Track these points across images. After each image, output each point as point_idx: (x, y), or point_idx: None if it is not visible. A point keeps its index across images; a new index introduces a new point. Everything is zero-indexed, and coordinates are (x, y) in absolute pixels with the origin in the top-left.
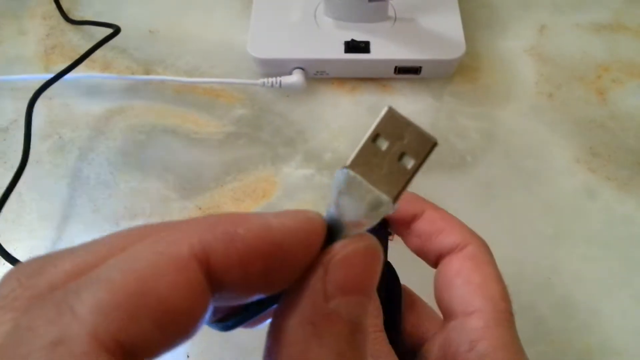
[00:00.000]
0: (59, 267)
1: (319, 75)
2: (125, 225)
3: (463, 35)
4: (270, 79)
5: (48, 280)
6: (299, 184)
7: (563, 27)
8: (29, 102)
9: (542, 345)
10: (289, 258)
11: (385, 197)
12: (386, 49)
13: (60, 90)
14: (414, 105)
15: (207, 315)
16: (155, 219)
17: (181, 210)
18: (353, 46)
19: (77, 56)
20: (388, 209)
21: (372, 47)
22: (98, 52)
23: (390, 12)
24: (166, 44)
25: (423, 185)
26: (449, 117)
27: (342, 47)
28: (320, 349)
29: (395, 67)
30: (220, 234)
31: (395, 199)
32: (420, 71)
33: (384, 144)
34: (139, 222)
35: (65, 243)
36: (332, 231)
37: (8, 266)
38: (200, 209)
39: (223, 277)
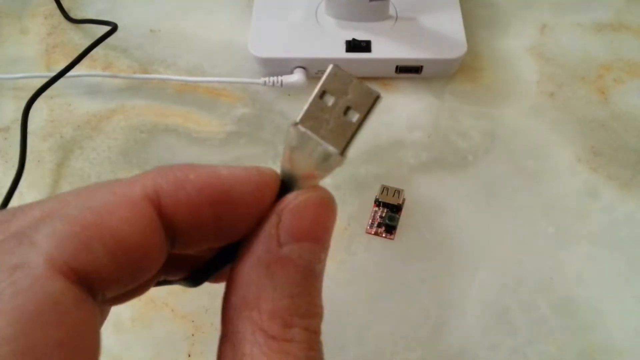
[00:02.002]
0: (28, 214)
1: (320, 74)
2: None
3: (464, 34)
4: (271, 78)
5: (17, 225)
6: None
7: (564, 26)
8: (25, 104)
9: (543, 345)
10: (239, 206)
11: (333, 150)
12: (387, 48)
13: (61, 90)
14: (415, 105)
15: (163, 257)
16: None
17: None
18: (354, 45)
19: (77, 55)
20: (337, 161)
21: (373, 47)
22: (100, 52)
23: (392, 12)
24: (167, 43)
25: (424, 184)
26: (451, 116)
27: (344, 47)
28: (274, 291)
29: (397, 67)
30: (171, 179)
31: (343, 151)
32: (421, 70)
33: (330, 100)
34: None
35: None
36: (287, 184)
37: None
38: None
39: (175, 220)
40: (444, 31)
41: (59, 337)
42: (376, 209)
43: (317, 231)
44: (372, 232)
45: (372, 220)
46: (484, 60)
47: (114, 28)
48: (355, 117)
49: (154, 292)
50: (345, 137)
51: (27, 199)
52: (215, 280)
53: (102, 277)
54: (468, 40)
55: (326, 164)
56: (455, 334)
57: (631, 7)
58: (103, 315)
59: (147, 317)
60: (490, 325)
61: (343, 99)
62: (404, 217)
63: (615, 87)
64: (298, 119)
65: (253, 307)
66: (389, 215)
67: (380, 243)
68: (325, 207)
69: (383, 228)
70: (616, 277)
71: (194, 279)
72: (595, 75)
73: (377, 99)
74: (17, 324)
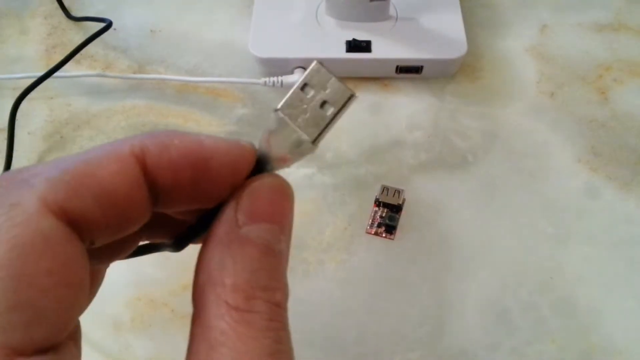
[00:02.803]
0: (31, 169)
1: None
2: None
3: (464, 34)
4: (271, 78)
5: (21, 177)
6: (300, 183)
7: (564, 26)
8: (14, 102)
9: (543, 345)
10: (216, 174)
11: (306, 137)
12: (387, 49)
13: (61, 90)
14: (415, 105)
15: (148, 212)
16: None
17: None
18: (354, 45)
19: (77, 55)
20: (308, 148)
21: (373, 47)
22: (100, 52)
23: (392, 12)
24: (167, 43)
25: (425, 184)
26: (451, 116)
27: (344, 47)
28: (234, 267)
29: (397, 67)
30: (157, 142)
31: (315, 140)
32: (421, 70)
33: (310, 93)
34: None
35: None
36: (261, 163)
37: None
38: None
39: (157, 179)
40: (444, 31)
41: (48, 267)
42: (376, 209)
43: (272, 213)
44: (372, 232)
45: (372, 221)
46: (484, 61)
47: (108, 25)
48: (329, 111)
49: (153, 292)
50: (319, 128)
51: None
52: (198, 242)
53: (89, 222)
54: (468, 40)
55: (298, 149)
56: (455, 334)
57: (631, 7)
58: (98, 278)
59: (146, 317)
60: (490, 326)
61: (321, 94)
62: (404, 217)
63: (615, 87)
64: (279, 105)
65: (217, 283)
66: (389, 215)
67: (381, 243)
68: (280, 192)
69: (383, 228)
70: (616, 277)
71: (176, 244)
72: (595, 75)
73: (350, 97)
74: (11, 252)
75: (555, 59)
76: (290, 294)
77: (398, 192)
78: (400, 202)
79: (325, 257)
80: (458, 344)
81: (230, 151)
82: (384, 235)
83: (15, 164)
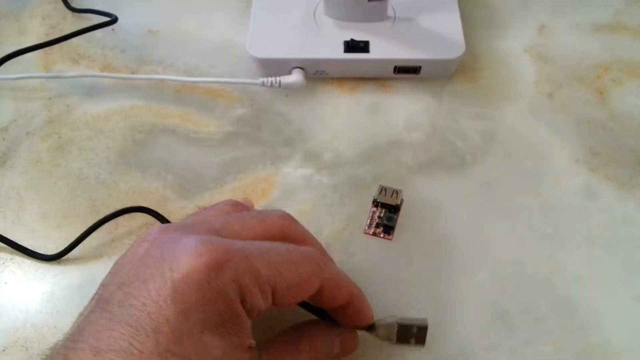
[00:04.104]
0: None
1: (318, 75)
2: (123, 223)
3: (462, 35)
4: (269, 79)
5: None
6: (299, 184)
7: (563, 26)
8: None
9: (541, 346)
10: (349, 311)
11: (394, 342)
12: (386, 49)
13: (60, 90)
14: (413, 105)
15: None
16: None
17: (180, 210)
18: (352, 46)
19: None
20: (390, 344)
21: (371, 47)
22: (98, 52)
23: (390, 12)
24: (166, 44)
25: (423, 184)
26: (449, 117)
27: (342, 47)
28: (317, 346)
29: (395, 67)
30: (333, 288)
31: (395, 342)
32: (419, 71)
33: (412, 336)
34: (138, 221)
35: (66, 243)
36: (375, 323)
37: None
38: (199, 208)
39: (317, 297)
40: (442, 32)
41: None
42: (374, 209)
43: (346, 354)
44: (370, 233)
45: (371, 221)
46: (482, 61)
47: (114, 19)
48: (411, 344)
49: None
50: (402, 342)
51: (26, 199)
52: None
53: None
54: (466, 40)
55: (388, 340)
56: (454, 334)
57: (630, 7)
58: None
59: None
60: (488, 326)
61: (415, 339)
62: (402, 218)
63: (614, 88)
64: (396, 327)
65: (303, 343)
66: (387, 215)
67: (379, 243)
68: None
69: (381, 228)
70: (614, 278)
71: (325, 317)
72: (593, 75)
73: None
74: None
75: (553, 60)
76: None
77: (396, 192)
78: (399, 203)
79: None
80: (456, 344)
81: (365, 309)
82: (382, 235)
83: (14, 163)
